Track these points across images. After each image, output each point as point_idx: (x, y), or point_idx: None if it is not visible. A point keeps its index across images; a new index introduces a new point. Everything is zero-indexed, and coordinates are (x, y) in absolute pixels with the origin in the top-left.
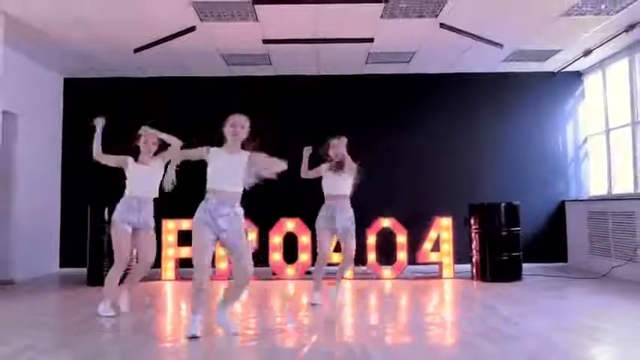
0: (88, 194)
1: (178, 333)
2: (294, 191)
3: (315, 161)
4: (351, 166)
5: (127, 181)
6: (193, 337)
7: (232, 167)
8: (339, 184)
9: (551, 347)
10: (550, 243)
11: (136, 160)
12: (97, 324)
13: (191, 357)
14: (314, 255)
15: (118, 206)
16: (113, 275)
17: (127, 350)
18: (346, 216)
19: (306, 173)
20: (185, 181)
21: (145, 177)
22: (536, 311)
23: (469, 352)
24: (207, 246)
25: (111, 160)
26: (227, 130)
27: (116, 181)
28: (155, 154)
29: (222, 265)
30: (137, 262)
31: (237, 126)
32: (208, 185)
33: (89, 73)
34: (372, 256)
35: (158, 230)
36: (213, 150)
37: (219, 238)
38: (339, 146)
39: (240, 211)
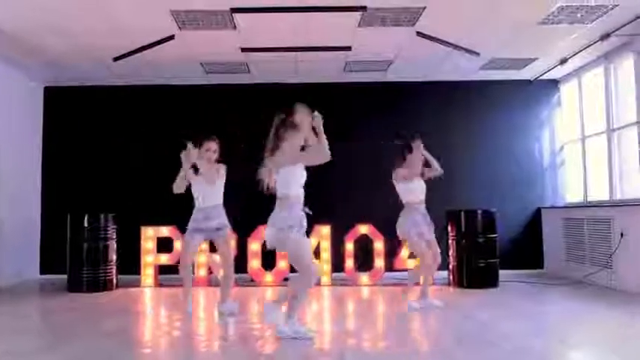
0: (68, 202)
1: (158, 338)
2: (271, 198)
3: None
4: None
5: (193, 193)
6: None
7: (293, 170)
8: (422, 188)
9: (526, 352)
10: (526, 250)
11: (195, 171)
12: (78, 329)
13: None
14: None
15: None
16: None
17: (107, 355)
18: (429, 219)
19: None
20: (165, 188)
21: (205, 187)
22: (512, 317)
23: (445, 358)
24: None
25: (183, 187)
26: None
27: (95, 190)
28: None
29: (202, 272)
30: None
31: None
32: (280, 191)
33: (69, 82)
34: (349, 263)
35: (137, 237)
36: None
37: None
38: (420, 149)
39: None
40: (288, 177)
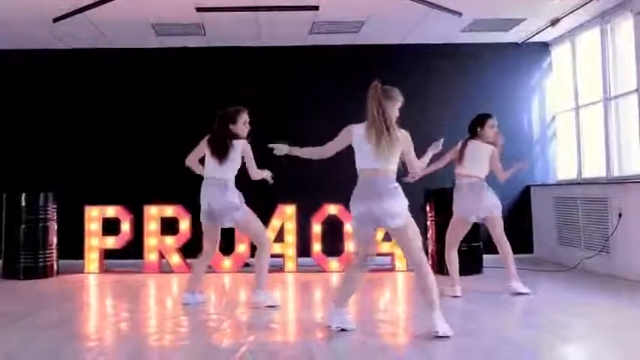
0: (2, 179)
1: (103, 330)
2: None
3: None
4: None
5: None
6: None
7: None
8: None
9: (512, 345)
10: (514, 232)
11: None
12: (12, 320)
13: (115, 358)
14: (253, 246)
15: (236, 190)
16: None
17: (43, 349)
18: (491, 195)
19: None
20: (109, 165)
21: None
22: (497, 306)
23: (422, 351)
24: (369, 234)
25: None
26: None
27: (33, 165)
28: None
29: (152, 257)
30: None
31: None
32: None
33: (3, 44)
34: (317, 247)
35: (80, 218)
36: (355, 128)
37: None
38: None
39: (397, 189)
40: None
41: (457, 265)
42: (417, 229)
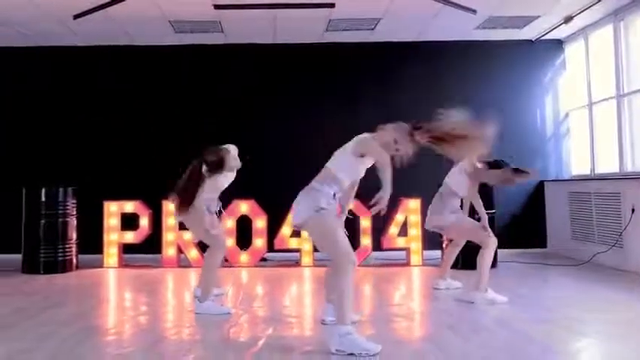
0: (23, 174)
1: (122, 325)
2: (247, 170)
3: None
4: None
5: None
6: None
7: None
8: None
9: (527, 340)
10: (528, 227)
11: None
12: (31, 315)
13: (134, 352)
14: (270, 240)
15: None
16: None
17: (63, 344)
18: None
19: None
20: (129, 161)
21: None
22: (512, 301)
23: (438, 346)
24: None
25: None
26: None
27: (53, 161)
28: None
29: (171, 252)
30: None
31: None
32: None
33: (20, 41)
34: None
35: (99, 212)
36: None
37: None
38: None
39: (313, 189)
40: None
41: (451, 259)
42: (326, 231)
